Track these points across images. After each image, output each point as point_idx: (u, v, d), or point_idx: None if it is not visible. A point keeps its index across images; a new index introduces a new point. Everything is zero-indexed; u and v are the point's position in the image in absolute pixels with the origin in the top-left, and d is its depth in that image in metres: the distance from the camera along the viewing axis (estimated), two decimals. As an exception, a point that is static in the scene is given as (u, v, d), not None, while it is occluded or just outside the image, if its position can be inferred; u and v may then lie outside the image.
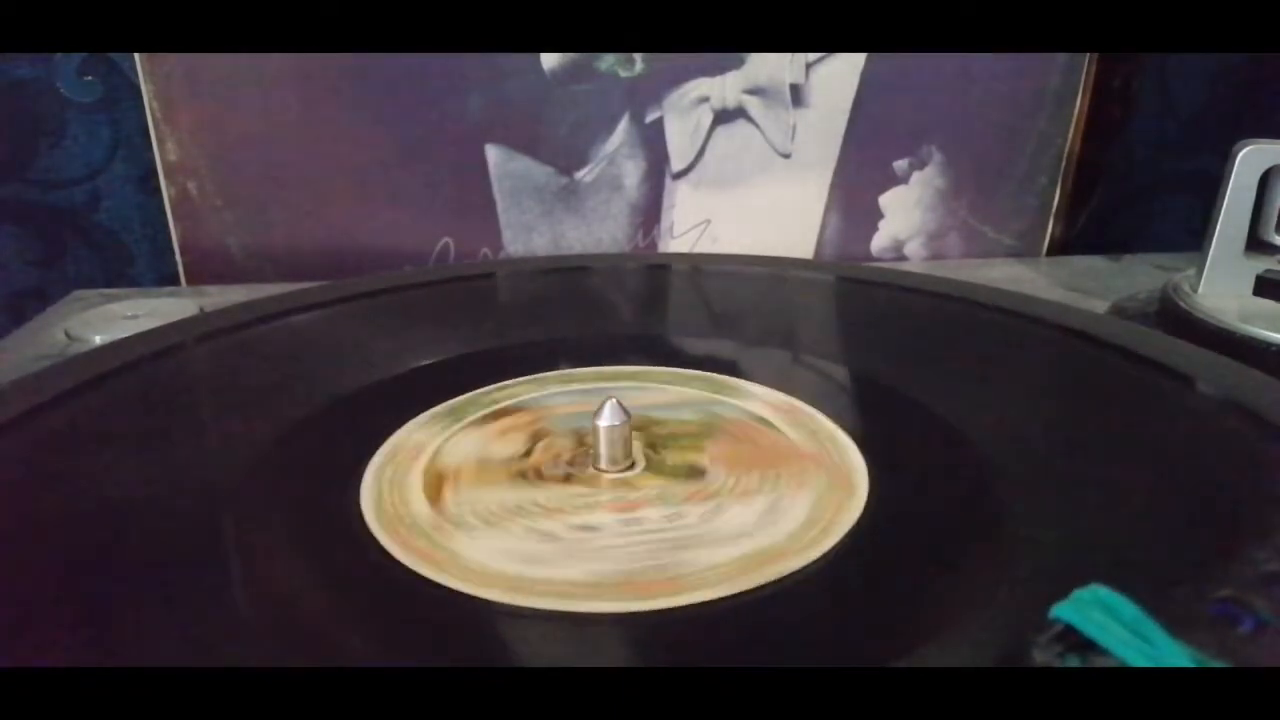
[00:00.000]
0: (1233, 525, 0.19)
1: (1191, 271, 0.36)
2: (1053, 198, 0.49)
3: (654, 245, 0.49)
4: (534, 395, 0.28)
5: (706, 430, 0.26)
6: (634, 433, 0.24)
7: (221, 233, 0.46)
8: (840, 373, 0.31)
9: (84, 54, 0.46)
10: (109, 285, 0.49)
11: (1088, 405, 0.27)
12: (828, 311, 0.38)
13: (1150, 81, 0.52)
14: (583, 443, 0.25)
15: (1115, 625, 0.12)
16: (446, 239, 0.48)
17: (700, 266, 0.42)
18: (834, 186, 0.48)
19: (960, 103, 0.47)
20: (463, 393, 0.28)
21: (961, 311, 0.34)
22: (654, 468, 0.24)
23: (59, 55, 0.46)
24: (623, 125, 0.47)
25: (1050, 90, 0.47)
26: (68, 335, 0.37)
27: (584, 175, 0.47)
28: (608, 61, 0.46)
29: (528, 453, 0.25)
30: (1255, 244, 0.34)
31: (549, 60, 0.45)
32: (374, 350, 0.32)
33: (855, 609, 0.19)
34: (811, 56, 0.46)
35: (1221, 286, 0.34)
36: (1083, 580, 0.13)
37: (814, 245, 0.49)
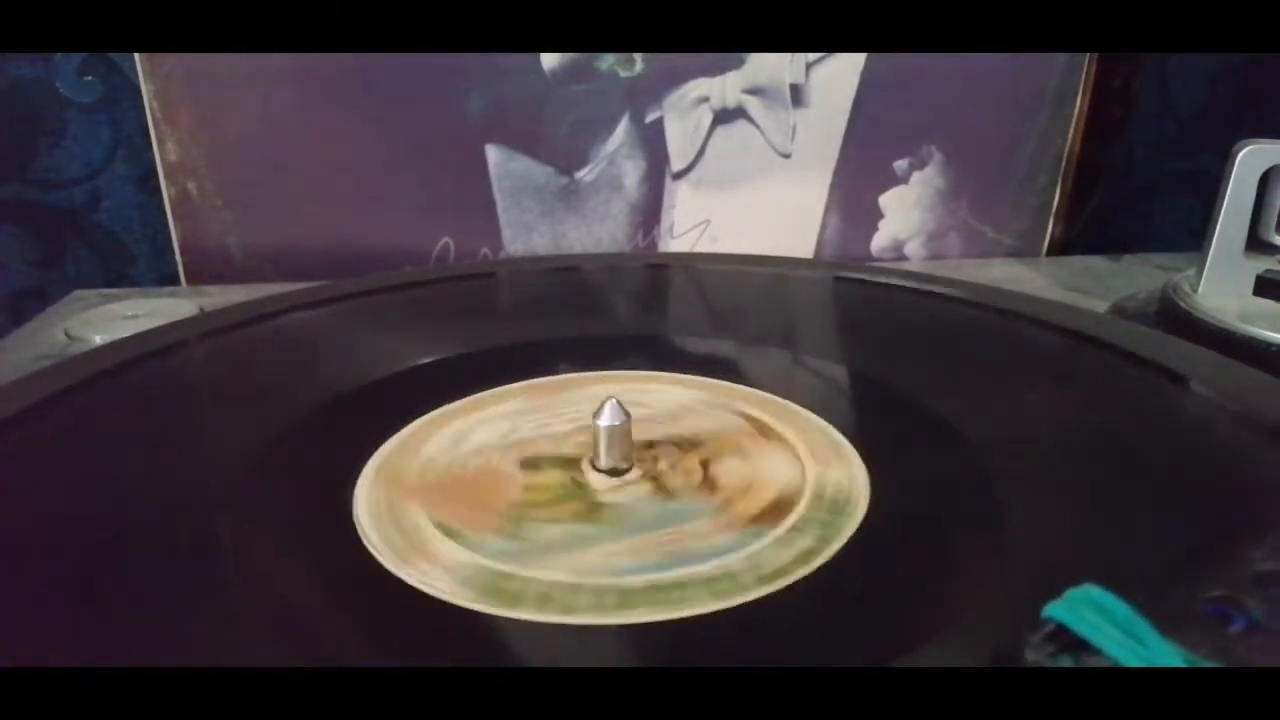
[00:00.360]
0: (1226, 525, 0.19)
1: (1191, 271, 0.36)
2: (1053, 198, 0.49)
3: (654, 245, 0.49)
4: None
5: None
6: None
7: (221, 233, 0.46)
8: (840, 373, 0.31)
9: (84, 54, 0.46)
10: (109, 285, 0.49)
11: (1087, 405, 0.27)
12: (828, 311, 0.38)
13: (1150, 81, 0.52)
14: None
15: (1108, 625, 0.12)
16: (446, 239, 0.48)
17: (700, 266, 0.42)
18: (834, 186, 0.48)
19: (960, 103, 0.47)
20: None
21: (961, 311, 0.34)
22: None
23: (59, 55, 0.46)
24: (623, 125, 0.47)
25: (1050, 90, 0.47)
26: (68, 335, 0.37)
27: (584, 175, 0.47)
28: (608, 61, 0.46)
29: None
30: (1255, 244, 0.34)
31: (549, 60, 0.45)
32: (374, 350, 0.32)
33: (854, 608, 0.19)
34: (811, 56, 0.46)
35: (1221, 286, 0.34)
36: (1076, 580, 0.13)
37: (814, 245, 0.49)
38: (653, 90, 0.46)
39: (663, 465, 0.24)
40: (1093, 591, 0.13)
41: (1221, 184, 0.34)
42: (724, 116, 0.47)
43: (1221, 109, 0.53)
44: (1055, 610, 0.13)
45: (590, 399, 0.26)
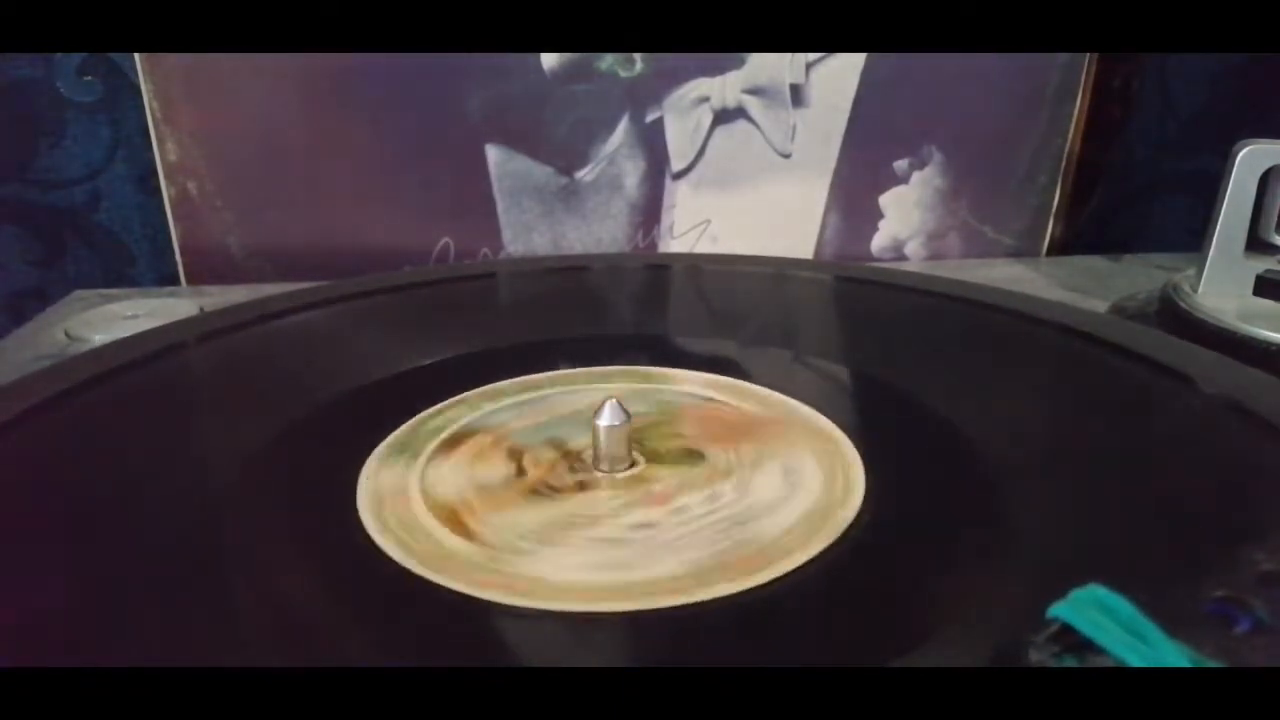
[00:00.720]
0: (1230, 525, 0.19)
1: (1191, 271, 0.36)
2: (1053, 198, 0.49)
3: (654, 245, 0.49)
4: (473, 416, 0.27)
5: (668, 418, 0.26)
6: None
7: (221, 233, 0.46)
8: (840, 373, 0.31)
9: (84, 54, 0.46)
10: (109, 285, 0.49)
11: (1087, 405, 0.27)
12: (828, 311, 0.38)
13: (1150, 81, 0.52)
14: (564, 449, 0.25)
15: (1112, 625, 0.12)
16: (446, 239, 0.48)
17: (700, 266, 0.42)
18: (834, 186, 0.48)
19: (960, 103, 0.47)
20: (461, 393, 0.28)
21: (961, 311, 0.34)
22: (654, 460, 0.24)
23: (59, 55, 0.46)
24: (623, 125, 0.47)
25: (1050, 90, 0.47)
26: (68, 335, 0.37)
27: (584, 175, 0.47)
28: (608, 61, 0.46)
29: (520, 471, 0.24)
30: (1255, 244, 0.34)
31: (549, 60, 0.45)
32: (374, 350, 0.32)
33: (852, 608, 0.19)
34: (811, 56, 0.46)
35: (1221, 286, 0.34)
36: (1080, 580, 0.13)
37: (814, 245, 0.49)
38: (653, 90, 0.46)
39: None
40: (1097, 591, 0.13)
41: (1221, 184, 0.34)
42: (724, 116, 0.47)
43: (1221, 109, 0.53)
44: (1060, 610, 0.13)
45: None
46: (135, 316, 0.38)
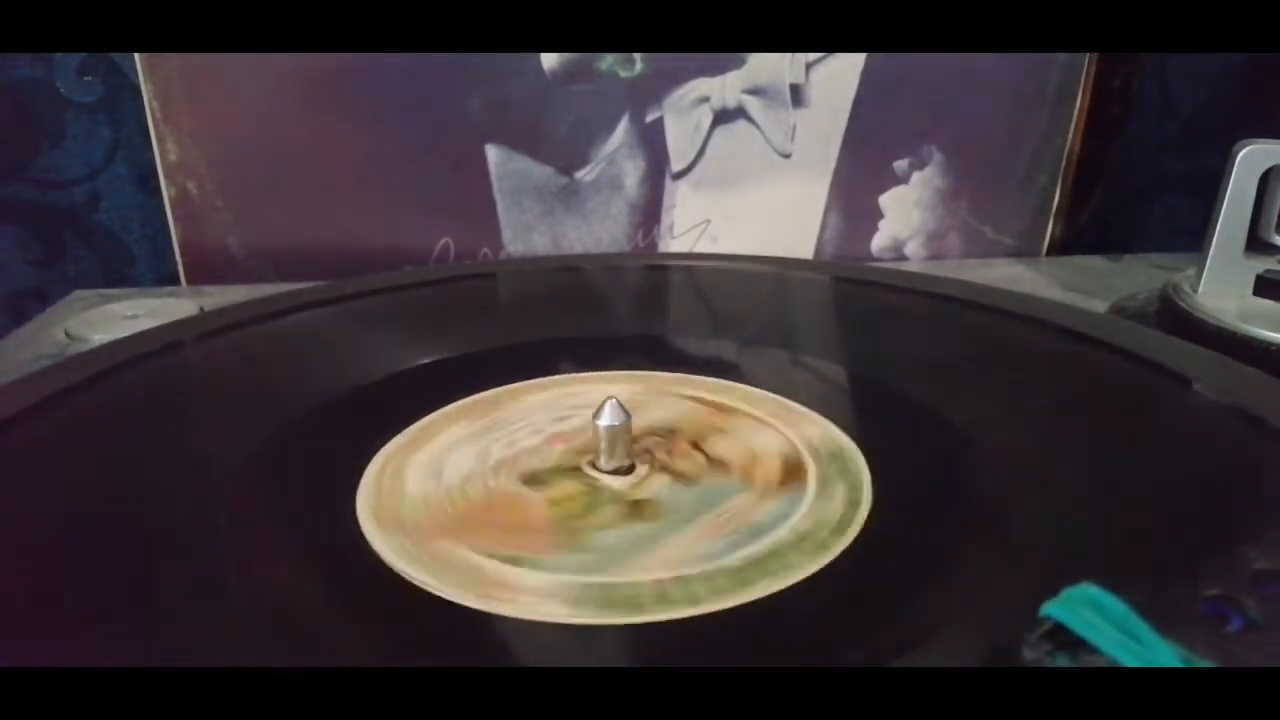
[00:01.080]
0: (1225, 524, 0.19)
1: (1191, 271, 0.36)
2: (1053, 197, 0.49)
3: (654, 245, 0.49)
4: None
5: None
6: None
7: (221, 233, 0.46)
8: (840, 373, 0.31)
9: (84, 54, 0.46)
10: (109, 285, 0.49)
11: (1087, 405, 0.27)
12: (828, 311, 0.38)
13: (1150, 81, 0.52)
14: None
15: (1104, 624, 0.12)
16: (446, 239, 0.48)
17: (700, 266, 0.42)
18: (834, 186, 0.48)
19: (960, 103, 0.47)
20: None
21: (961, 311, 0.34)
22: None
23: (59, 55, 0.46)
24: (623, 125, 0.47)
25: (1050, 90, 0.47)
26: (68, 335, 0.37)
27: (584, 175, 0.47)
28: (608, 61, 0.46)
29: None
30: (1255, 244, 0.34)
31: (549, 60, 0.45)
32: (374, 350, 0.32)
33: (853, 608, 0.19)
34: (811, 56, 0.46)
35: (1221, 286, 0.34)
36: (1074, 579, 0.13)
37: (814, 245, 0.49)
38: (653, 90, 0.46)
39: (662, 455, 0.24)
40: (1090, 590, 0.13)
41: (1221, 184, 0.34)
42: (724, 116, 0.47)
43: (1221, 109, 0.53)
44: (1052, 609, 0.13)
45: (535, 408, 0.27)
46: (135, 316, 0.38)
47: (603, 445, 0.23)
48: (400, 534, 0.21)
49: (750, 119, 0.47)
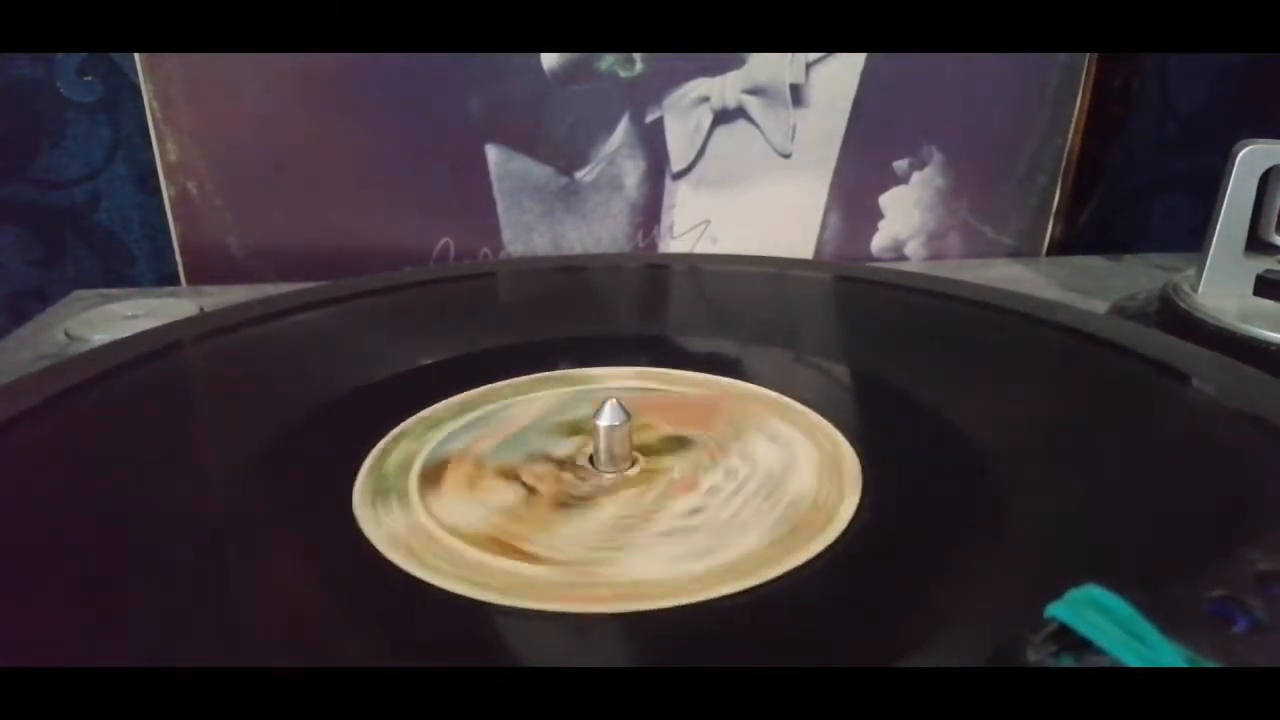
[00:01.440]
0: (1229, 524, 0.19)
1: (1191, 271, 0.36)
2: (1053, 198, 0.49)
3: (654, 245, 0.49)
4: (432, 447, 0.25)
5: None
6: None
7: (221, 233, 0.46)
8: (840, 372, 0.31)
9: (84, 54, 0.46)
10: (109, 285, 0.49)
11: (1087, 405, 0.27)
12: (828, 311, 0.38)
13: (1150, 81, 0.52)
14: (555, 460, 0.24)
15: (1110, 624, 0.12)
16: (446, 239, 0.48)
17: (700, 266, 0.42)
18: (834, 186, 0.48)
19: (960, 103, 0.47)
20: (461, 393, 0.28)
21: (961, 311, 0.34)
22: (648, 453, 0.24)
23: (59, 55, 0.46)
24: (623, 125, 0.47)
25: (1050, 90, 0.47)
26: (68, 335, 0.37)
27: (584, 175, 0.47)
28: (608, 61, 0.46)
29: (531, 489, 0.23)
30: (1255, 244, 0.34)
31: (549, 60, 0.45)
32: (374, 350, 0.32)
33: (850, 608, 0.19)
34: (811, 56, 0.46)
35: (1221, 286, 0.34)
36: (1076, 579, 0.13)
37: (814, 245, 0.49)
38: (653, 90, 0.46)
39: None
40: (1094, 591, 0.13)
41: (1221, 184, 0.34)
42: (724, 116, 0.47)
43: (1221, 109, 0.53)
44: (1057, 610, 0.13)
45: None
46: (135, 316, 0.38)
47: (602, 445, 0.23)
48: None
49: (750, 119, 0.47)
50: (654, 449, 0.24)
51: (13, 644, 0.17)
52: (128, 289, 0.47)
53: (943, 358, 0.30)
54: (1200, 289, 0.35)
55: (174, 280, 0.47)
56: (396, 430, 0.26)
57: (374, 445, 0.25)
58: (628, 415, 0.23)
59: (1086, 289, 0.42)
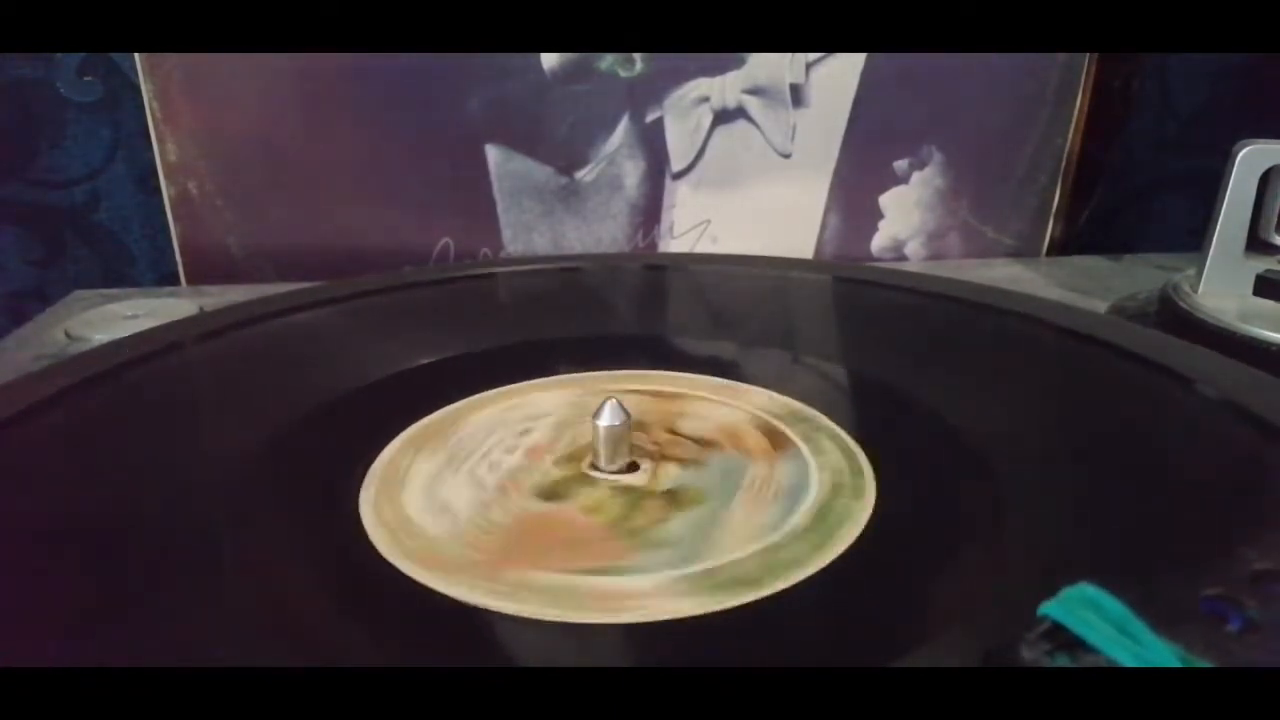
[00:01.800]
0: (1224, 524, 0.19)
1: (1191, 271, 0.36)
2: (1053, 197, 0.49)
3: (654, 245, 0.49)
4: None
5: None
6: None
7: (221, 233, 0.46)
8: (840, 373, 0.31)
9: (84, 54, 0.46)
10: (109, 285, 0.49)
11: (1087, 405, 0.27)
12: (828, 311, 0.38)
13: (1150, 81, 0.52)
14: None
15: (1103, 623, 0.12)
16: (446, 239, 0.48)
17: (700, 266, 0.42)
18: (834, 186, 0.48)
19: (960, 103, 0.47)
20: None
21: (961, 311, 0.34)
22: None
23: (59, 55, 0.46)
24: (623, 125, 0.47)
25: (1050, 90, 0.47)
26: (68, 335, 0.37)
27: (584, 175, 0.47)
28: (608, 61, 0.46)
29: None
30: (1255, 244, 0.34)
31: (549, 60, 0.45)
32: (373, 350, 0.32)
33: (851, 609, 0.19)
34: (811, 56, 0.46)
35: (1221, 286, 0.34)
36: (1073, 579, 0.13)
37: (814, 245, 0.49)
38: (653, 90, 0.46)
39: (652, 447, 0.25)
40: (1088, 590, 0.13)
41: (1221, 184, 0.34)
42: (724, 116, 0.47)
43: (1221, 109, 0.53)
44: (1051, 609, 0.13)
45: (495, 424, 0.26)
46: (135, 316, 0.38)
47: (603, 446, 0.23)
48: (448, 572, 0.19)
49: (750, 119, 0.47)
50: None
51: (13, 644, 0.17)
52: (128, 289, 0.47)
53: (942, 358, 0.30)
54: (1200, 289, 0.35)
55: (174, 280, 0.47)
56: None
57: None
58: (628, 415, 0.23)
59: (1086, 289, 0.42)
